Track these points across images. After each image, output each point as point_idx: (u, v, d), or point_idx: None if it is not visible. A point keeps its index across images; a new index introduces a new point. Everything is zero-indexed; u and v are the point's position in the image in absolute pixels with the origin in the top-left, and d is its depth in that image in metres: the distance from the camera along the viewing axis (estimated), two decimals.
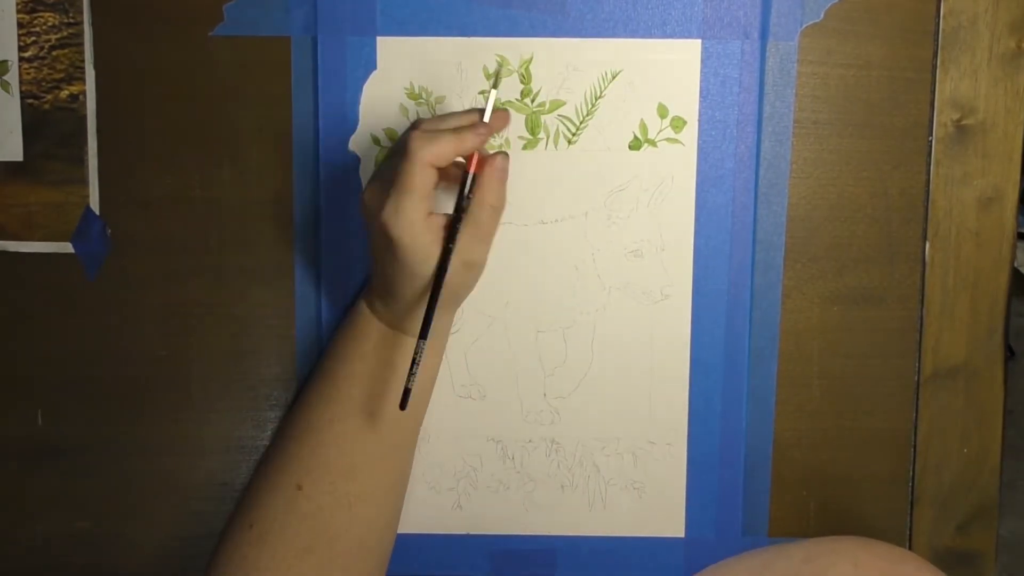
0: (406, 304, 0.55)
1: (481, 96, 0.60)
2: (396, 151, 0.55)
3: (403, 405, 0.52)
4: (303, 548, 0.55)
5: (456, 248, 0.53)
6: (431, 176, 0.52)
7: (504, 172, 0.55)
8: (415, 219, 0.52)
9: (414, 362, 0.53)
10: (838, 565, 0.58)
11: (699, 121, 0.61)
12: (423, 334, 0.53)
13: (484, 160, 0.54)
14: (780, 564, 0.60)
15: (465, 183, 0.54)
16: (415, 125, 0.54)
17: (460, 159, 0.55)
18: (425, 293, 0.54)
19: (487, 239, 0.56)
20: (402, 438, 0.59)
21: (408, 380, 0.53)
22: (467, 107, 0.60)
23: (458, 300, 0.58)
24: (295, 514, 0.56)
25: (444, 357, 0.62)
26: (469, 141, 0.53)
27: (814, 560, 0.59)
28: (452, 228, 0.53)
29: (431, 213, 0.53)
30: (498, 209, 0.55)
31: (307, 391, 0.60)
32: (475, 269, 0.56)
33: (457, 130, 0.54)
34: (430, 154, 0.52)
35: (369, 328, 0.58)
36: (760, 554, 0.63)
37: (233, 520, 0.58)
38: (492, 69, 0.60)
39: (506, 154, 0.55)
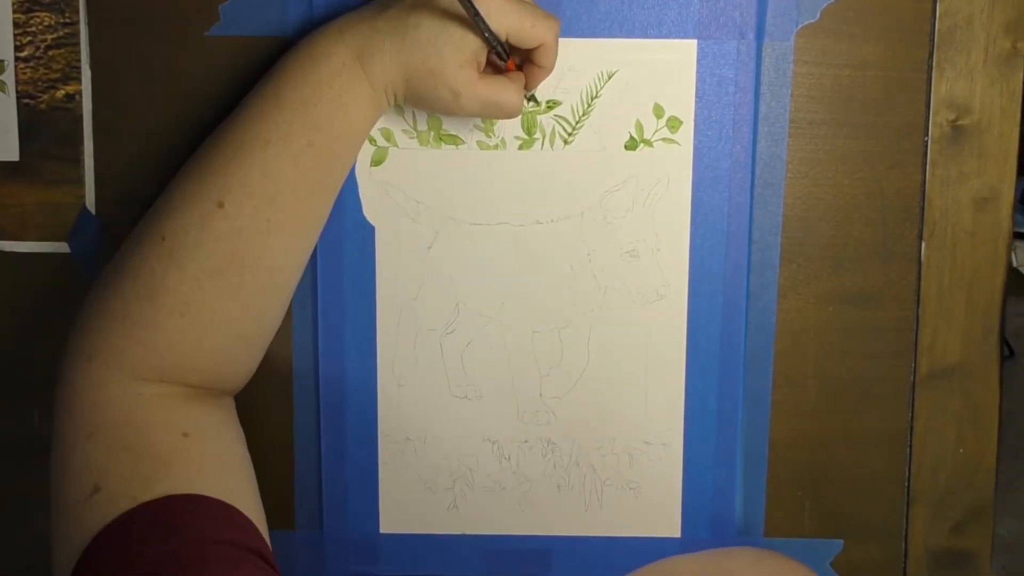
0: (392, 60, 0.54)
1: None
2: None
3: None
4: (213, 269, 0.53)
5: (497, 93, 0.55)
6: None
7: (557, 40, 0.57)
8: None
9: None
10: None
11: (695, 121, 0.61)
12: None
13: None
14: None
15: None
16: None
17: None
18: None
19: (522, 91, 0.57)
20: (329, 176, 0.57)
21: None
22: None
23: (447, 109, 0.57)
24: (211, 232, 0.53)
25: (440, 357, 0.62)
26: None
27: None
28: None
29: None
30: (549, 70, 0.57)
31: (245, 108, 0.56)
32: (496, 112, 0.56)
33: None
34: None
35: (332, 51, 0.55)
36: (650, 569, 0.62)
37: (144, 230, 0.55)
38: None
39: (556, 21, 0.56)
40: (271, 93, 0.55)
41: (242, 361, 0.58)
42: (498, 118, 0.58)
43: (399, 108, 0.60)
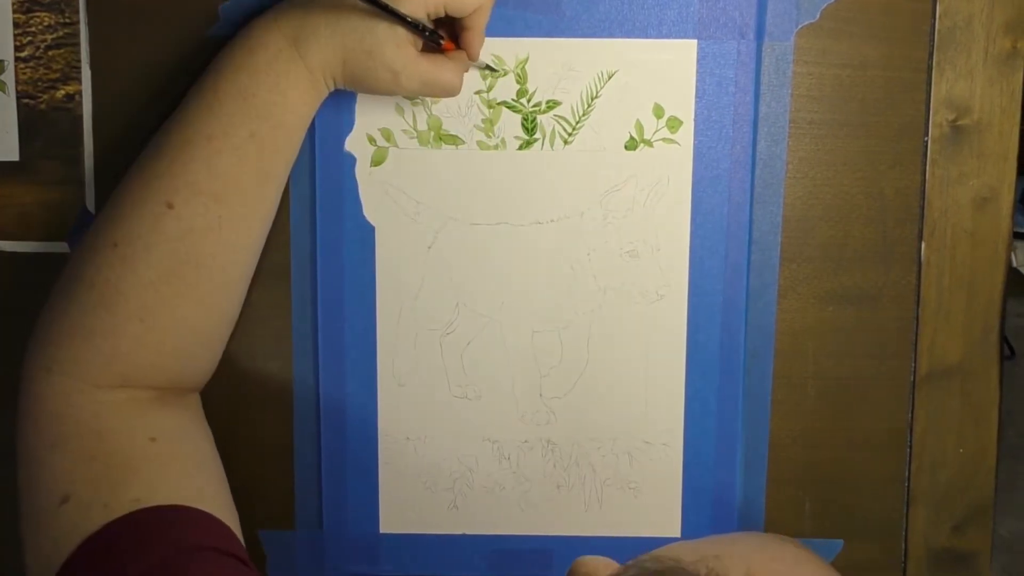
0: (327, 37, 0.53)
1: (477, 96, 0.60)
2: None
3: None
4: (168, 271, 0.53)
5: (436, 72, 0.55)
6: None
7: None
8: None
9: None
10: (730, 569, 0.56)
11: (695, 121, 0.61)
12: None
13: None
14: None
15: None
16: None
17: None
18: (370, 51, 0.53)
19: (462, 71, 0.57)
20: (276, 166, 0.57)
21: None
22: (462, 107, 0.60)
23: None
24: (162, 234, 0.53)
25: (440, 357, 0.62)
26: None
27: (706, 563, 0.58)
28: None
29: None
30: (481, 32, 0.56)
31: (187, 105, 0.56)
32: (437, 91, 0.56)
33: None
34: None
35: (267, 39, 0.54)
36: (649, 560, 0.62)
37: (96, 238, 0.54)
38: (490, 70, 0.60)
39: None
40: (210, 87, 0.55)
41: (204, 358, 0.58)
42: (438, 96, 0.57)
43: (398, 108, 0.60)
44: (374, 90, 0.56)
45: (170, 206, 0.53)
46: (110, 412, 0.53)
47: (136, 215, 0.54)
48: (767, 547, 0.58)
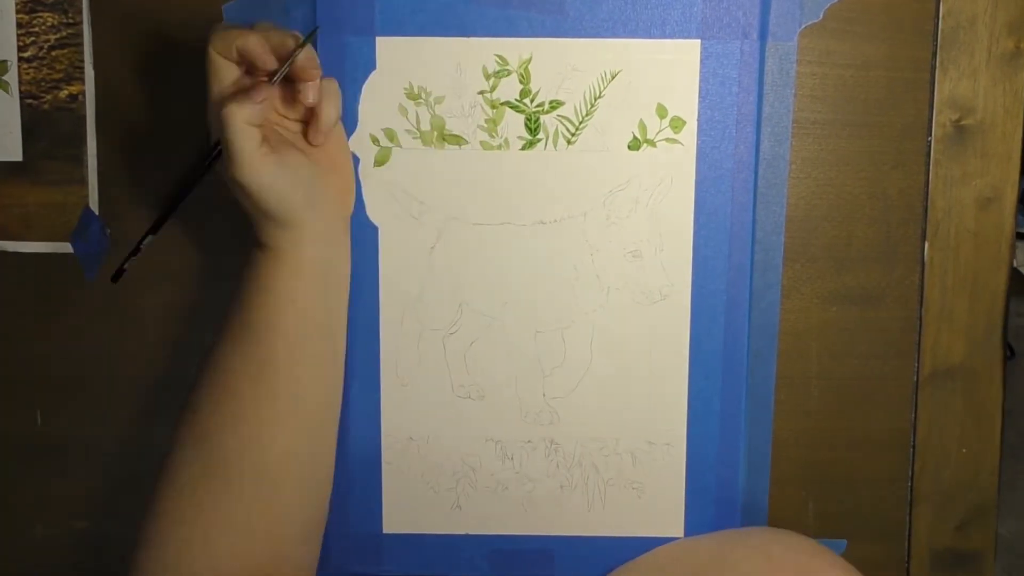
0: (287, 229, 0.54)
1: (480, 96, 0.60)
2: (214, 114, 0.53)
3: (114, 279, 0.53)
4: (197, 473, 0.54)
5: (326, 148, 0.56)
6: (253, 132, 0.51)
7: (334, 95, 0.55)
8: (256, 167, 0.51)
9: (137, 245, 0.53)
10: (750, 559, 0.57)
11: (698, 121, 0.61)
12: (154, 229, 0.53)
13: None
14: (688, 559, 0.60)
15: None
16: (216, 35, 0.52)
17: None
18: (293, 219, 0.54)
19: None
20: (274, 352, 0.56)
21: (124, 261, 0.54)
22: (465, 107, 0.60)
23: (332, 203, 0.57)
24: (189, 437, 0.55)
25: (443, 357, 0.62)
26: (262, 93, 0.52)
27: (725, 555, 0.59)
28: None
29: (262, 145, 0.51)
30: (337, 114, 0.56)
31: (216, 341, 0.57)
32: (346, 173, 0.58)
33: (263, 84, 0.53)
34: (245, 117, 0.50)
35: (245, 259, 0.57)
36: (669, 549, 0.62)
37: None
38: (492, 70, 0.60)
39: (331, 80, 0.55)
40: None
41: (282, 558, 0.56)
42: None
43: (401, 108, 0.60)
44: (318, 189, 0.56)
45: (194, 412, 0.55)
46: None
47: (174, 434, 0.56)
48: (782, 539, 0.59)
